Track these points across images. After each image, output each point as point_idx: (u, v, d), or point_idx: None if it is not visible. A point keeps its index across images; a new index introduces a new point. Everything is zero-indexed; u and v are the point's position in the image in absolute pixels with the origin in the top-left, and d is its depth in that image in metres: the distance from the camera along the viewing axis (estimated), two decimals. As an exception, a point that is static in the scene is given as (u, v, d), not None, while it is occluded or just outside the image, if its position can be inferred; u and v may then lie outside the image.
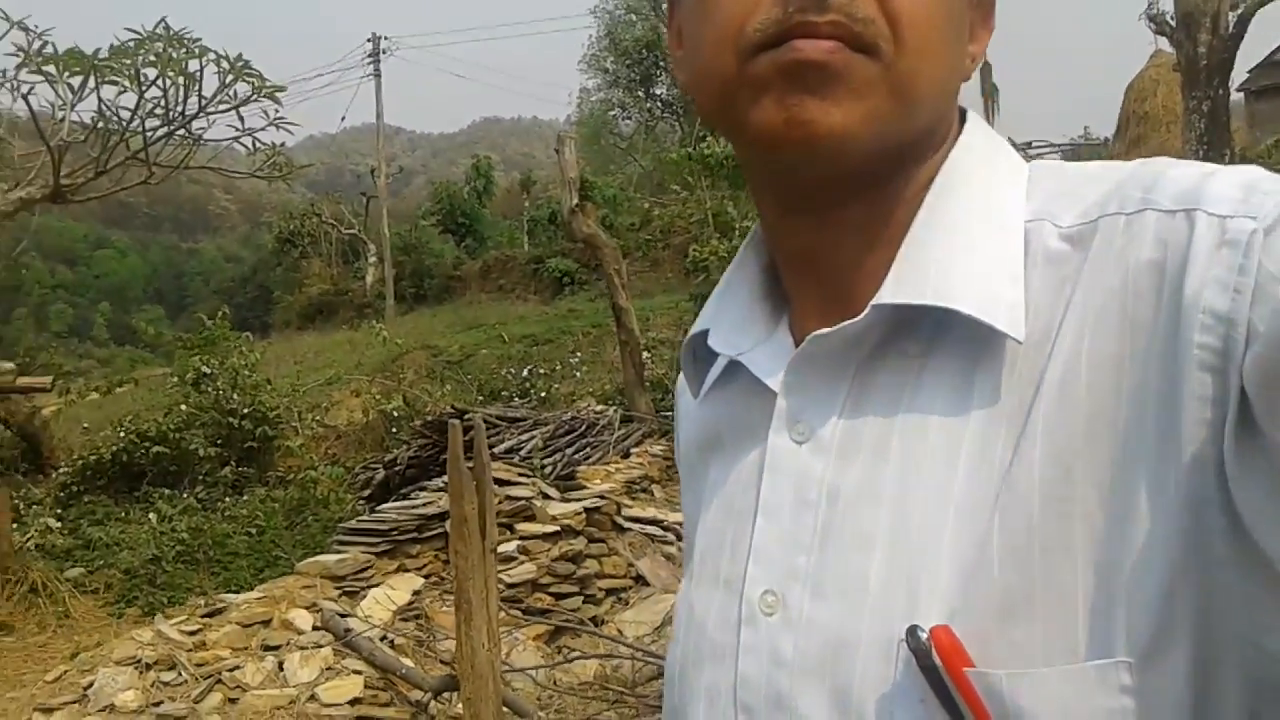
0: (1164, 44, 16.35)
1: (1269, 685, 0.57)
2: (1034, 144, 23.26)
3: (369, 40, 29.38)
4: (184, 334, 14.97)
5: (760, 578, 0.70)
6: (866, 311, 0.66)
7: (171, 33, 9.89)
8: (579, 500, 7.70)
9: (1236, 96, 16.96)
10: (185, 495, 10.56)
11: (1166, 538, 0.57)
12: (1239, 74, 16.18)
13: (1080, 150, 24.11)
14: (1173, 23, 14.32)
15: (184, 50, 9.99)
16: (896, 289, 0.66)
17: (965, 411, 0.64)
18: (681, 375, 0.88)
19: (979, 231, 0.67)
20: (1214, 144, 14.23)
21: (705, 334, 0.80)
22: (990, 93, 25.74)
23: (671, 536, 8.07)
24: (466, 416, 9.40)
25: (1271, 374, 0.52)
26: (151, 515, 9.99)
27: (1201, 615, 0.57)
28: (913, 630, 0.61)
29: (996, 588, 0.60)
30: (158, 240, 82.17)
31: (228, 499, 10.62)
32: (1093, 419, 0.60)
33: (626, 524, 7.86)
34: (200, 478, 10.96)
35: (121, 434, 11.11)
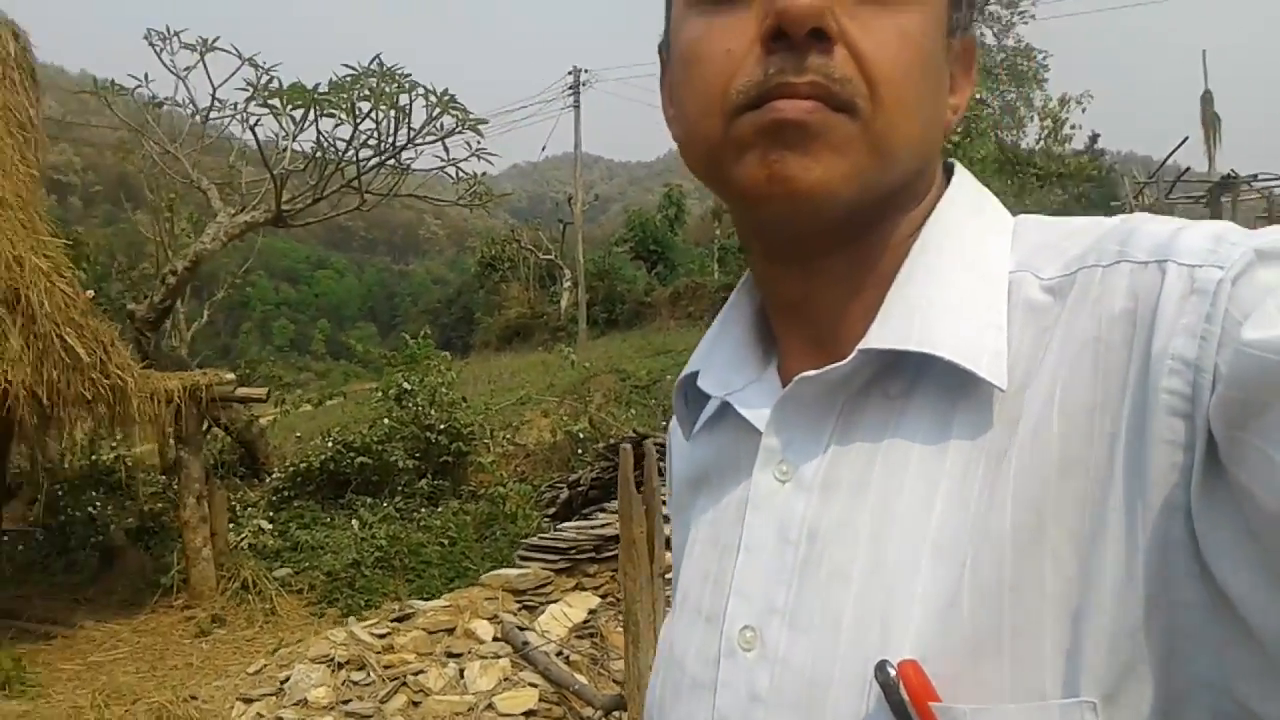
0: None
1: None
2: (1260, 176, 21.66)
3: (569, 73, 30.31)
4: (391, 352, 15.79)
5: (740, 613, 0.72)
6: (853, 355, 0.68)
7: (385, 69, 10.55)
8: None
9: None
10: (385, 504, 11.09)
11: (1133, 580, 0.58)
12: None
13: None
14: None
15: (395, 85, 10.64)
16: (882, 334, 0.68)
17: (943, 454, 0.66)
18: (674, 416, 0.89)
19: (963, 280, 0.69)
20: None
21: (696, 375, 0.82)
22: (1211, 122, 24.24)
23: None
24: (645, 441, 9.57)
25: (1234, 413, 0.54)
26: (354, 522, 10.58)
27: (1167, 658, 0.58)
28: (881, 665, 0.62)
29: (967, 626, 0.61)
30: (372, 262, 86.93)
31: (423, 510, 11.13)
32: (1065, 464, 0.61)
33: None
34: (399, 488, 11.49)
35: (330, 444, 11.80)
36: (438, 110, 11.01)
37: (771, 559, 0.71)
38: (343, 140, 10.84)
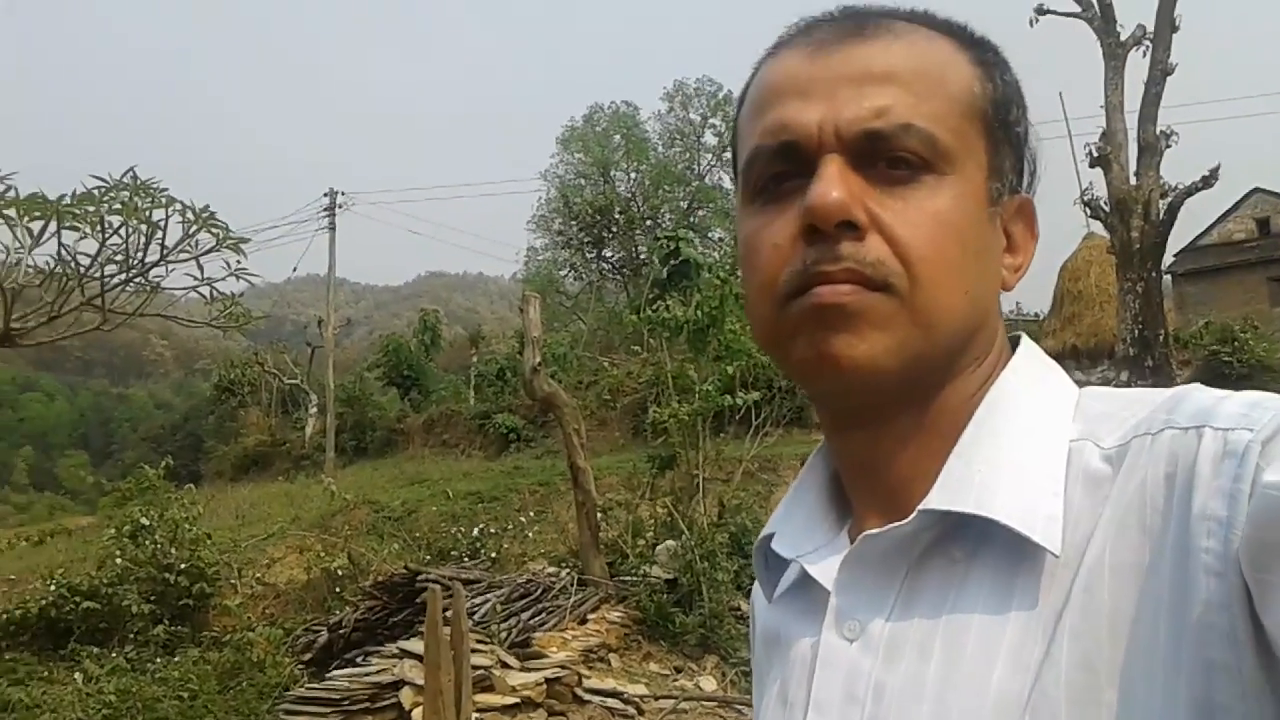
0: (1096, 227, 17.16)
1: None
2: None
3: (325, 195, 29.72)
4: (115, 483, 14.51)
5: None
6: (913, 516, 0.72)
7: (139, 182, 9.90)
8: (539, 670, 7.44)
9: (1165, 279, 17.74)
10: (114, 654, 10.05)
11: None
12: (1166, 258, 16.93)
13: (1016, 325, 24.85)
14: (1106, 208, 15.05)
15: (150, 200, 9.99)
16: (941, 496, 0.72)
17: (1004, 615, 0.69)
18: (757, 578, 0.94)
19: (1023, 447, 0.74)
20: (1149, 324, 14.76)
21: (772, 538, 0.86)
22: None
23: (632, 710, 7.79)
24: (420, 578, 9.14)
25: (1259, 555, 0.58)
26: (77, 675, 9.47)
27: None
28: None
29: None
30: (87, 385, 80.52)
31: (159, 659, 10.12)
32: (1114, 625, 0.65)
33: (587, 696, 7.58)
34: (131, 636, 10.46)
35: (52, 587, 10.60)
36: (194, 227, 10.42)
37: (838, 718, 0.74)
38: (87, 255, 10.02)
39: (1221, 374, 15.66)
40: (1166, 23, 14.96)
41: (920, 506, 0.72)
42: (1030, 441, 0.74)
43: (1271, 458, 0.61)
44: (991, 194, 0.78)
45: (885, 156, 0.74)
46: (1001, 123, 0.79)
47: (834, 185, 0.72)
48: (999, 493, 0.71)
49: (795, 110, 0.76)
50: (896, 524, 0.73)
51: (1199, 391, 0.70)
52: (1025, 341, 0.82)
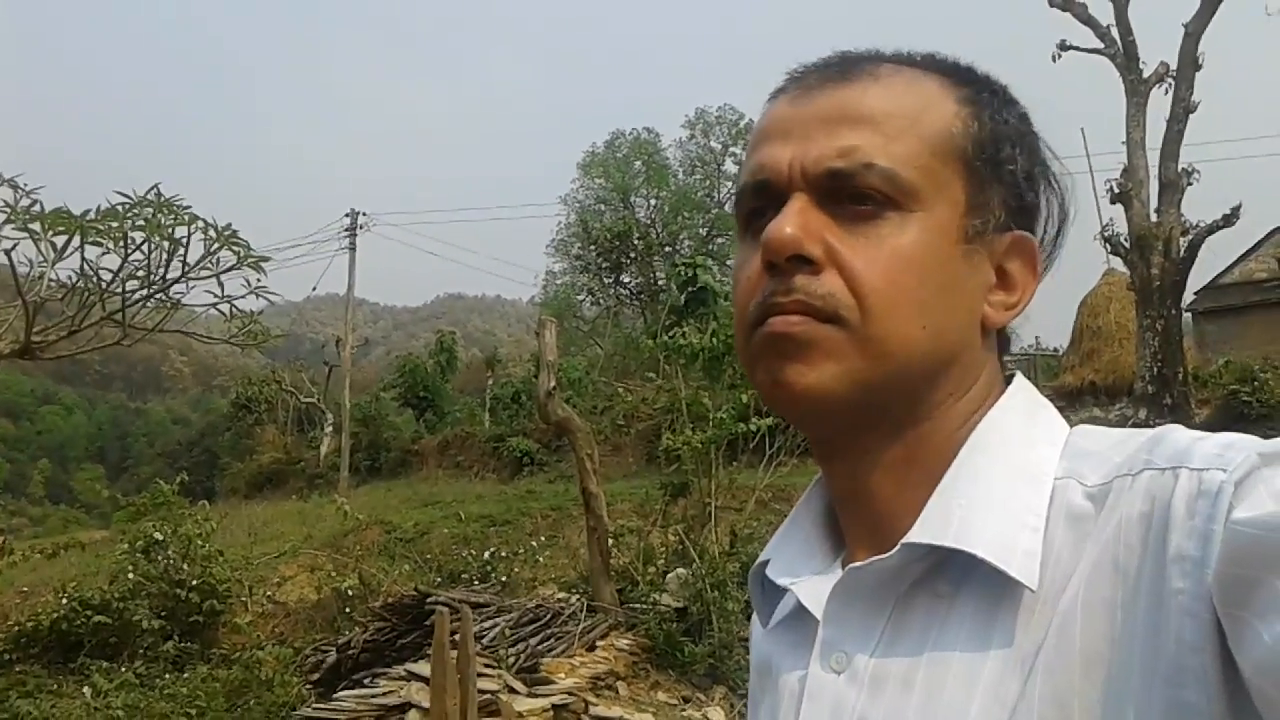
0: (1116, 263, 17.08)
1: None
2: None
3: (347, 215, 29.85)
4: (129, 497, 14.58)
5: None
6: (896, 549, 0.74)
7: (163, 199, 9.98)
8: (546, 696, 7.39)
9: (1185, 316, 17.64)
10: (123, 669, 10.06)
11: None
12: (1186, 295, 16.83)
13: (1035, 360, 24.70)
14: (1127, 245, 14.99)
15: (173, 217, 10.06)
16: (922, 530, 0.74)
17: (984, 652, 0.70)
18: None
19: (1007, 482, 0.75)
20: (1168, 361, 14.67)
21: (768, 564, 0.88)
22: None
23: (639, 738, 7.73)
24: (430, 600, 9.12)
25: (1230, 591, 0.59)
26: (86, 689, 9.48)
27: None
28: None
29: None
30: (106, 399, 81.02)
31: (168, 675, 10.13)
32: (1088, 661, 0.66)
33: (594, 723, 7.53)
34: (141, 651, 10.47)
35: (64, 601, 10.63)
36: (216, 245, 10.49)
37: None
38: (109, 271, 10.09)
39: (1241, 414, 15.49)
40: (1189, 60, 14.96)
41: (902, 540, 0.74)
42: (1014, 477, 0.75)
43: (1243, 496, 0.62)
44: (968, 231, 0.79)
45: (849, 194, 0.76)
46: (987, 160, 0.81)
47: (788, 221, 0.75)
48: (979, 527, 0.72)
49: (773, 151, 0.80)
50: (879, 557, 0.75)
51: (1178, 432, 0.72)
52: (1018, 378, 0.84)
